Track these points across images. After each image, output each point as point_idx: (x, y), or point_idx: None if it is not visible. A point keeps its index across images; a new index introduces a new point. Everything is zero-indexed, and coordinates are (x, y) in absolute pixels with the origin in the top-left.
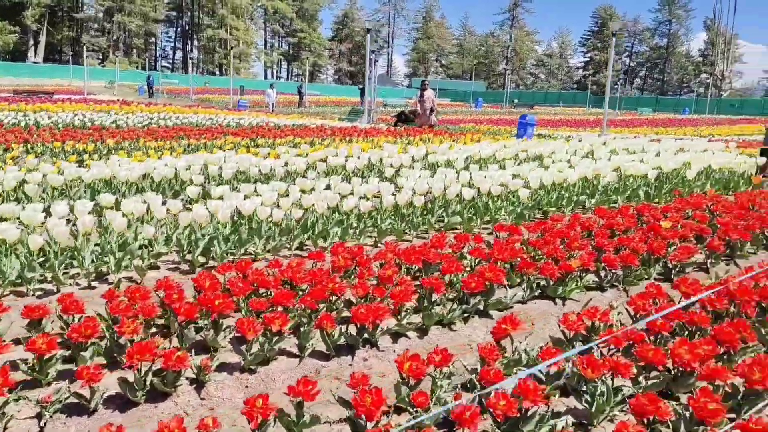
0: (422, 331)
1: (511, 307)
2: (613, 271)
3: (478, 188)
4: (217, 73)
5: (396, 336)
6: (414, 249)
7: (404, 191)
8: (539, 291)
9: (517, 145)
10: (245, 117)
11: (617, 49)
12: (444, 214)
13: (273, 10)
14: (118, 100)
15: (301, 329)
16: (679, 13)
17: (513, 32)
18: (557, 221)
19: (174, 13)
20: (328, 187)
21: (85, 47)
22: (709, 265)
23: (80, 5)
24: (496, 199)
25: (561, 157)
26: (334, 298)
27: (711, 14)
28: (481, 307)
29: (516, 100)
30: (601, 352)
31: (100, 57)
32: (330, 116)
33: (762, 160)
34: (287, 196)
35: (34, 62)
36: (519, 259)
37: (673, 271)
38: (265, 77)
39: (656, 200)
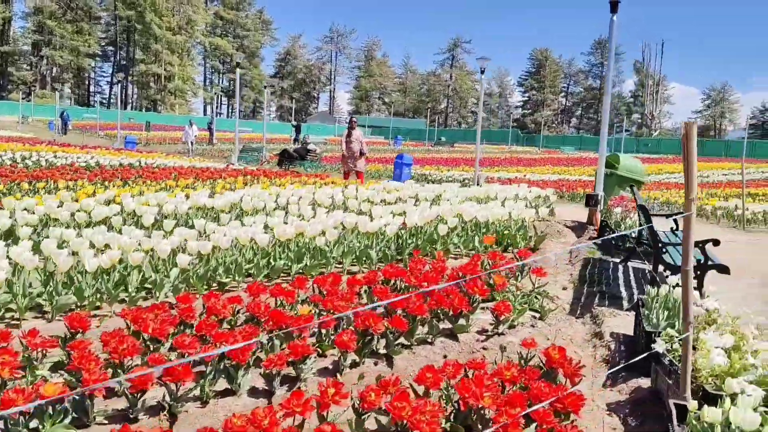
0: None
1: None
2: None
3: (100, 249)
4: (152, 108)
5: None
6: None
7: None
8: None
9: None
10: (92, 155)
11: (554, 89)
12: (54, 292)
13: (213, 46)
14: None
15: None
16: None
17: (453, 71)
18: (184, 302)
19: (111, 48)
20: None
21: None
22: (340, 370)
23: (6, 39)
24: (143, 268)
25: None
26: None
27: (641, 57)
28: None
29: (443, 138)
30: None
31: (27, 91)
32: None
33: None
34: None
35: None
36: None
37: (275, 385)
38: (205, 113)
39: (399, 261)
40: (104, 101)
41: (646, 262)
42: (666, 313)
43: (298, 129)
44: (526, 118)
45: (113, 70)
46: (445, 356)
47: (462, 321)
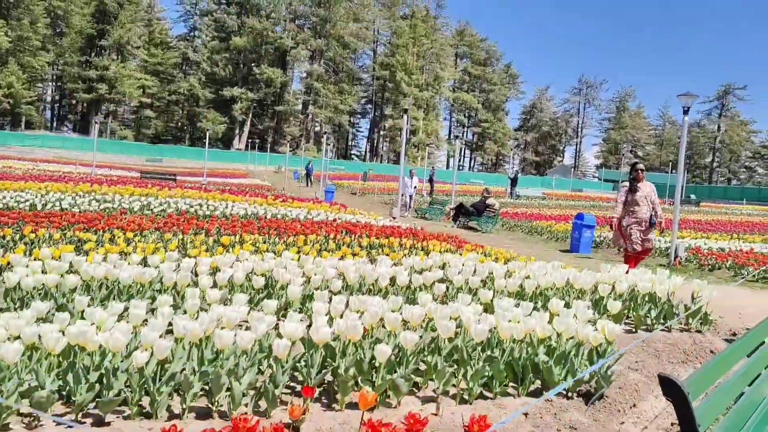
0: None
1: None
2: None
3: None
4: (397, 161)
5: None
6: None
7: None
8: None
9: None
10: (247, 204)
11: None
12: None
13: (460, 101)
14: (227, 188)
15: None
16: None
17: (722, 122)
18: None
19: (369, 106)
20: None
21: (273, 136)
22: None
23: (282, 100)
24: None
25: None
26: None
27: None
28: None
29: (692, 196)
30: None
31: (294, 145)
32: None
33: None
34: None
35: (237, 149)
36: None
37: None
38: (447, 166)
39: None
40: (359, 154)
41: None
42: None
43: (514, 182)
44: None
45: (370, 125)
46: None
47: None
